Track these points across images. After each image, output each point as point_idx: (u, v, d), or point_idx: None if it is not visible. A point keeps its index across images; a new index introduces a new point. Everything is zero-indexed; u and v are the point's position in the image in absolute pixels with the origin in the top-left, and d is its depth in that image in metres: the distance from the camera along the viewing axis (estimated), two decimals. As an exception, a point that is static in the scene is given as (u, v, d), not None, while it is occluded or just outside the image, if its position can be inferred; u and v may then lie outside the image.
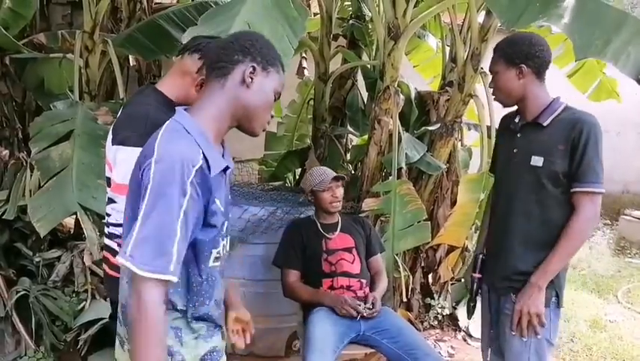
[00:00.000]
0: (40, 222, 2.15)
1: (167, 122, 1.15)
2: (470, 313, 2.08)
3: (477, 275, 1.98)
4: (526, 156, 1.77)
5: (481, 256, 1.99)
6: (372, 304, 2.23)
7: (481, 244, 2.06)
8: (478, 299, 2.05)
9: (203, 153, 1.10)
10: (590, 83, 4.00)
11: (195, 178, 1.07)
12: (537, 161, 1.74)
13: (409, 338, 2.18)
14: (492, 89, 1.88)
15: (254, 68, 1.18)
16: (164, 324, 1.07)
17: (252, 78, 1.18)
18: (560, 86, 4.32)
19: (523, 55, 1.74)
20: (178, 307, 1.15)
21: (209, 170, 1.11)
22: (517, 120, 1.86)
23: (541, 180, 1.74)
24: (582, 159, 1.68)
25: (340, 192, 2.41)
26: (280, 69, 1.23)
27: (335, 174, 2.42)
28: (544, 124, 1.75)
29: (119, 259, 1.04)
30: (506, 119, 1.95)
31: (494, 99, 1.92)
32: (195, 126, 1.14)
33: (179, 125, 1.13)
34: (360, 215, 2.82)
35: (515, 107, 1.87)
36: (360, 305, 2.21)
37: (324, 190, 2.37)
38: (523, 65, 1.74)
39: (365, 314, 2.20)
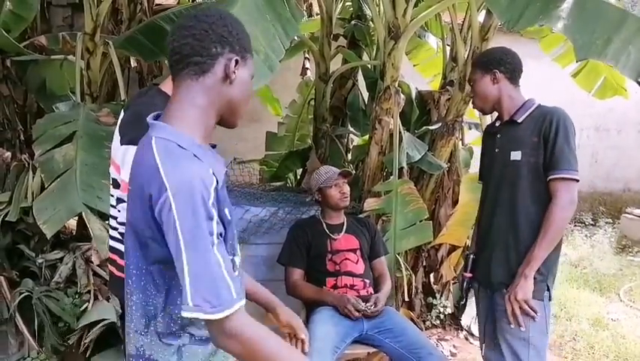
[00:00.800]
0: (46, 223, 2.17)
1: (152, 142, 1.02)
2: (460, 311, 2.12)
3: (467, 274, 2.07)
4: (506, 153, 1.90)
5: (471, 255, 2.08)
6: (375, 303, 2.24)
7: (474, 244, 2.14)
8: (471, 298, 2.09)
9: (211, 168, 1.03)
10: (594, 81, 3.97)
11: (214, 199, 1.00)
12: (516, 155, 1.87)
13: (412, 338, 2.19)
14: (471, 98, 2.06)
15: (236, 62, 1.07)
16: (268, 333, 1.02)
17: (235, 73, 1.07)
18: (564, 87, 4.34)
19: (495, 61, 1.93)
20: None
21: (218, 183, 1.04)
22: (497, 124, 2.02)
23: (522, 173, 1.85)
24: (554, 148, 1.79)
25: (347, 188, 2.44)
26: (251, 47, 1.14)
27: (340, 171, 2.44)
28: (519, 121, 1.90)
29: (185, 314, 0.96)
30: (488, 127, 2.12)
31: (474, 107, 2.10)
32: (186, 139, 1.03)
33: (170, 144, 1.01)
34: (363, 215, 2.82)
35: (495, 115, 2.03)
36: (362, 304, 2.21)
37: (331, 186, 2.39)
38: (496, 70, 1.92)
39: (368, 312, 2.21)
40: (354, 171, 3.60)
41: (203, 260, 0.96)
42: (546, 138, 1.80)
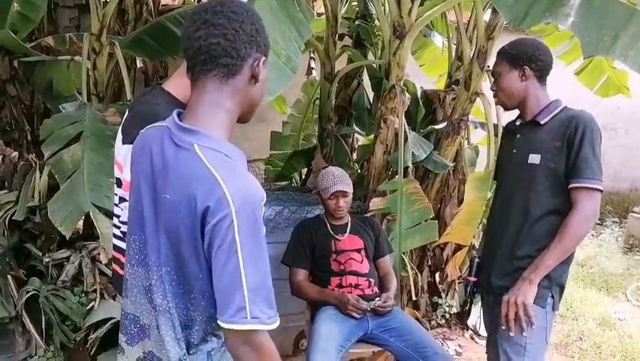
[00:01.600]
0: (62, 225, 2.19)
1: (197, 150, 0.98)
2: (466, 316, 2.07)
3: (472, 278, 1.99)
4: (524, 155, 1.80)
5: (476, 259, 2.01)
6: (385, 300, 2.24)
7: (481, 248, 2.07)
8: (477, 302, 2.05)
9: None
10: (597, 79, 3.97)
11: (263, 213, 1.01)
12: (534, 159, 1.76)
13: (418, 337, 2.18)
14: (494, 91, 1.91)
15: (262, 61, 1.05)
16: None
17: (259, 72, 1.05)
18: (569, 85, 4.32)
19: (526, 57, 1.79)
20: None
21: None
22: (517, 123, 1.91)
23: (539, 177, 1.75)
24: (578, 155, 1.69)
25: (343, 202, 2.39)
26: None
27: (341, 188, 2.36)
28: (542, 122, 1.79)
29: (238, 327, 0.96)
30: (508, 125, 2.00)
31: (496, 102, 1.95)
32: (229, 148, 1.02)
33: (220, 155, 0.99)
34: (368, 215, 2.82)
35: (517, 112, 1.91)
36: (364, 303, 2.21)
37: (328, 198, 2.39)
38: (526, 67, 1.79)
39: (375, 306, 2.21)
40: (357, 172, 3.60)
41: (262, 274, 0.98)
42: (570, 144, 1.69)
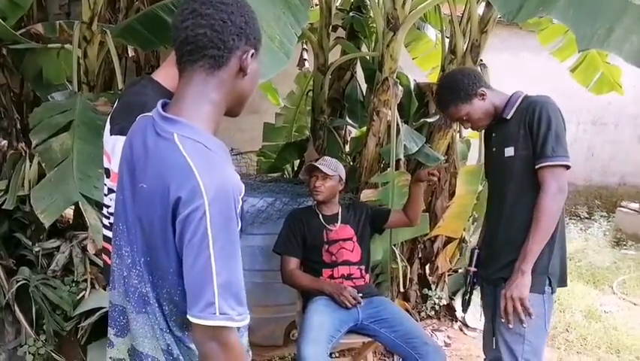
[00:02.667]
0: (44, 213, 2.16)
1: (176, 139, 0.96)
2: (465, 306, 2.11)
3: (472, 269, 2.05)
4: (501, 150, 1.89)
5: (476, 250, 2.06)
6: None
7: (480, 240, 2.14)
8: (476, 293, 2.09)
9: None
10: (591, 76, 3.99)
11: (240, 207, 0.99)
12: (509, 151, 1.86)
13: (407, 327, 2.21)
14: (470, 128, 2.02)
15: (252, 54, 1.03)
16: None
17: (248, 65, 1.03)
18: (562, 80, 4.34)
19: (471, 85, 1.91)
20: None
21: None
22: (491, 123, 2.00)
23: (518, 167, 1.84)
24: (538, 137, 1.77)
25: (319, 184, 2.39)
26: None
27: (317, 165, 2.39)
28: (508, 117, 1.88)
29: (206, 323, 0.93)
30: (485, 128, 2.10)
31: (479, 130, 2.11)
32: (209, 138, 1.00)
33: (198, 145, 0.97)
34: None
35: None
36: (358, 296, 2.23)
37: (306, 174, 2.46)
38: (476, 90, 1.90)
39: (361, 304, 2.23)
40: (350, 164, 3.60)
41: (233, 270, 0.96)
42: (531, 128, 1.78)
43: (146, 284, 1.04)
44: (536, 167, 1.77)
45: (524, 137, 1.80)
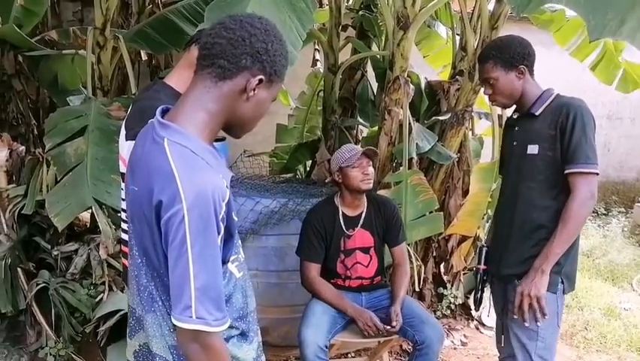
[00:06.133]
0: (57, 217, 2.20)
1: (165, 145, 0.99)
2: (477, 304, 2.10)
3: (482, 267, 2.04)
4: (524, 146, 1.85)
5: (485, 248, 2.05)
6: (395, 320, 2.14)
7: (489, 237, 2.12)
8: (486, 290, 2.08)
9: (221, 173, 1.02)
10: (613, 74, 3.85)
11: (225, 213, 1.00)
12: (533, 149, 1.82)
13: (407, 309, 2.21)
14: (489, 95, 1.93)
15: (260, 81, 1.03)
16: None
17: (254, 91, 1.04)
18: (577, 74, 4.26)
19: (519, 56, 1.83)
20: None
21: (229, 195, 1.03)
22: (514, 116, 1.97)
23: (540, 167, 1.81)
24: (571, 141, 1.73)
25: (371, 169, 2.26)
26: (285, 74, 1.10)
27: (368, 147, 2.28)
28: (537, 113, 1.84)
29: (183, 325, 0.96)
30: (507, 120, 2.06)
31: (494, 104, 2.00)
32: (198, 144, 1.01)
33: (185, 150, 0.99)
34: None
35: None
36: (381, 325, 2.15)
37: (353, 167, 2.21)
38: (521, 66, 1.83)
39: (386, 332, 2.17)
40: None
41: (212, 274, 0.98)
42: (563, 131, 1.74)
43: (150, 283, 1.07)
44: (567, 171, 1.74)
45: (553, 138, 1.76)
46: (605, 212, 6.41)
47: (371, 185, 2.28)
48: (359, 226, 2.31)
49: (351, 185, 2.26)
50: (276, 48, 1.05)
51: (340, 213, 2.32)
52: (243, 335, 1.16)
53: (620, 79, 3.84)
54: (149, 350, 1.11)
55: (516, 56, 1.83)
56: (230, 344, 1.11)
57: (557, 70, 4.91)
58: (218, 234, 0.99)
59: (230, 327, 1.09)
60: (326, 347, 2.10)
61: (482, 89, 2.01)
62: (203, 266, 0.96)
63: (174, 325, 1.00)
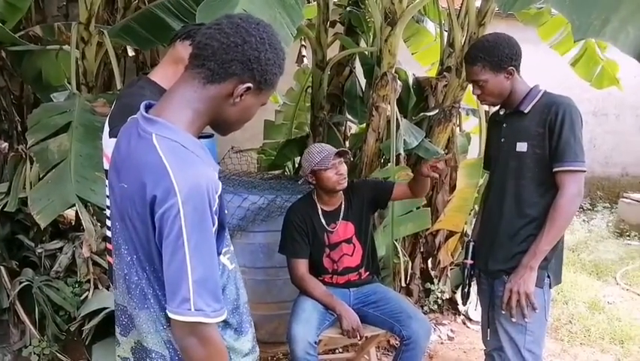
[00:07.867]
0: (39, 214, 2.17)
1: (154, 140, 0.99)
2: (464, 299, 2.12)
3: (469, 261, 2.06)
4: (512, 144, 1.86)
5: (472, 243, 2.07)
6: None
7: (475, 232, 2.12)
8: (473, 285, 2.10)
9: (211, 167, 1.03)
10: (592, 69, 3.97)
11: (217, 205, 1.01)
12: (522, 147, 1.83)
13: (394, 305, 2.23)
14: (478, 95, 1.92)
15: (248, 89, 1.03)
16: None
17: (241, 97, 1.03)
18: (562, 71, 4.32)
19: (508, 57, 1.82)
20: None
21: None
22: (501, 112, 1.96)
23: (528, 164, 1.81)
24: (560, 139, 1.75)
25: (344, 168, 2.22)
26: (277, 82, 1.09)
27: (336, 149, 2.22)
28: (525, 111, 1.84)
29: (181, 318, 0.96)
30: (493, 115, 2.06)
31: (483, 103, 2.01)
32: (187, 138, 1.02)
33: (175, 144, 0.99)
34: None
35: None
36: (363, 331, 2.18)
37: (327, 168, 2.17)
38: (510, 67, 1.83)
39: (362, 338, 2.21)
40: (350, 160, 3.59)
41: (209, 266, 0.98)
42: (552, 129, 1.75)
43: (142, 280, 1.06)
44: (555, 169, 1.76)
45: (542, 136, 1.77)
46: (590, 207, 6.49)
47: (346, 183, 2.24)
48: (340, 219, 2.30)
49: (326, 187, 2.23)
50: (269, 57, 1.04)
51: (319, 209, 2.30)
52: (238, 326, 1.17)
53: (597, 75, 3.93)
54: (143, 347, 1.11)
55: (504, 58, 1.82)
56: (226, 336, 1.12)
57: (544, 67, 4.95)
58: (213, 225, 1.00)
59: (225, 320, 1.09)
60: (315, 343, 2.10)
61: (470, 86, 2.01)
62: (200, 259, 0.96)
63: (170, 319, 1.00)
